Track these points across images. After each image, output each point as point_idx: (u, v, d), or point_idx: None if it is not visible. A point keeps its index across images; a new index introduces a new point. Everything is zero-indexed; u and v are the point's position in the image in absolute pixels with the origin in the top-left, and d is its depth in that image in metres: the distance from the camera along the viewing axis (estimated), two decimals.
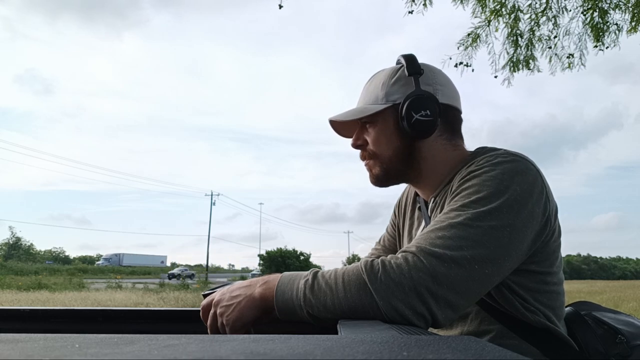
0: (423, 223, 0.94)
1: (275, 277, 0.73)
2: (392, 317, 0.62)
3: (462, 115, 0.93)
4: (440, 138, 0.89)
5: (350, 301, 0.65)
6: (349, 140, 0.97)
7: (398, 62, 0.93)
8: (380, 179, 0.92)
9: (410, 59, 0.88)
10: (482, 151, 0.85)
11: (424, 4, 3.77)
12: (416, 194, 1.00)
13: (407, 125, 0.84)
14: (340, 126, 0.97)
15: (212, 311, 0.76)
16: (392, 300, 0.62)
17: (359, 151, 0.95)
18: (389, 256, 0.68)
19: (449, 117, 0.89)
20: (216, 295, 0.77)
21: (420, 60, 0.91)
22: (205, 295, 0.81)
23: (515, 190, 0.71)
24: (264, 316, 0.72)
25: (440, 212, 0.79)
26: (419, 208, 0.98)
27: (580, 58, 4.02)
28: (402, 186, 1.11)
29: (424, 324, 0.63)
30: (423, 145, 0.88)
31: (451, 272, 0.63)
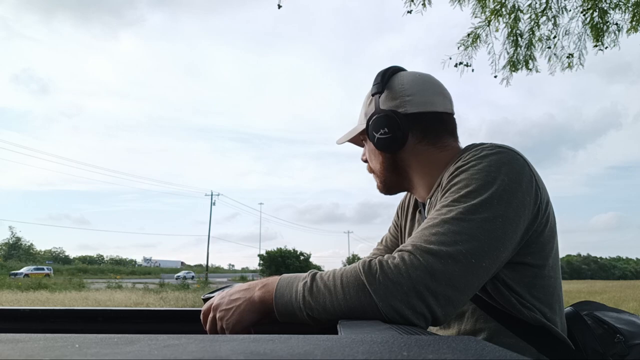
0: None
1: (274, 280, 0.74)
2: (392, 317, 0.62)
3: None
4: (420, 145, 0.90)
5: (350, 303, 0.65)
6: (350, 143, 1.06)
7: None
8: (382, 190, 0.99)
9: (375, 77, 0.93)
10: (470, 147, 0.85)
11: (423, 4, 3.77)
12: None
13: (373, 144, 0.91)
14: (354, 141, 1.05)
15: (211, 315, 0.76)
16: (391, 301, 0.62)
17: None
18: (386, 256, 0.68)
19: (426, 123, 0.89)
20: (215, 299, 0.77)
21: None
22: (205, 300, 0.81)
23: (503, 180, 0.72)
24: (264, 319, 0.73)
25: None
26: (420, 211, 0.99)
27: (579, 58, 4.02)
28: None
29: (424, 322, 0.63)
30: (404, 156, 0.92)
31: (448, 268, 0.63)
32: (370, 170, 1.00)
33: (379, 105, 0.90)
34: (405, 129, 0.87)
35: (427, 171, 0.90)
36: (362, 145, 1.04)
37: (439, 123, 0.91)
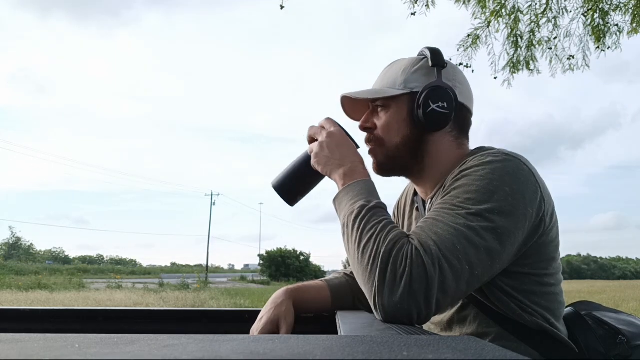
0: None
1: (363, 175, 0.80)
2: (381, 303, 0.64)
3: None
4: (449, 135, 0.88)
5: (359, 256, 0.69)
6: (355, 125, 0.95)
7: (420, 54, 0.92)
8: (383, 168, 0.91)
9: (435, 51, 0.87)
10: (478, 150, 0.85)
11: (427, 5, 3.77)
12: (414, 195, 1.00)
13: (421, 114, 0.83)
14: (351, 107, 0.95)
15: (319, 130, 0.86)
16: (392, 297, 0.63)
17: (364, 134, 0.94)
18: (405, 248, 0.66)
19: (461, 117, 0.89)
20: (335, 130, 0.85)
21: None
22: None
23: (505, 191, 0.71)
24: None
25: None
26: (417, 208, 0.97)
27: (584, 59, 4.01)
28: (402, 185, 1.11)
29: (408, 320, 0.64)
30: (431, 139, 0.87)
31: (443, 273, 0.64)
32: (375, 141, 0.90)
33: (441, 79, 0.85)
34: (456, 113, 0.85)
35: (440, 164, 0.88)
36: (359, 116, 0.93)
37: (468, 122, 0.91)
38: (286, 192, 0.89)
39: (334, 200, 0.81)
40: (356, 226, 0.71)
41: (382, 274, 0.65)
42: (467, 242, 0.66)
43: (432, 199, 0.89)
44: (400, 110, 0.87)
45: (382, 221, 0.70)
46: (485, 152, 0.79)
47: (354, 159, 0.82)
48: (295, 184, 0.90)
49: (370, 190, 0.77)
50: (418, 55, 0.92)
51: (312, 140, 0.88)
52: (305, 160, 0.88)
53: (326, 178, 0.87)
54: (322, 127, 0.86)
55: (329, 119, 0.88)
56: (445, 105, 0.82)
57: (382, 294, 0.64)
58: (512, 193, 0.71)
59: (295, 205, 0.91)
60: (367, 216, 0.71)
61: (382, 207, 0.75)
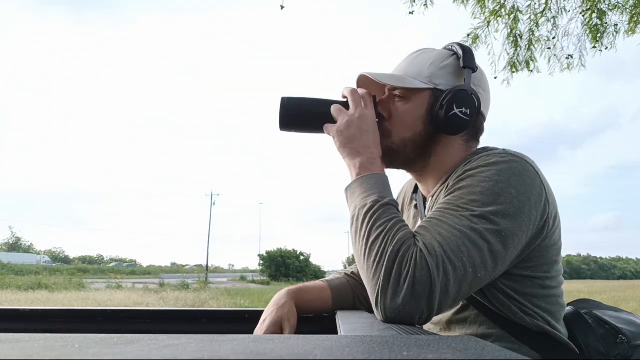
0: (419, 222, 0.93)
1: (379, 168, 0.78)
2: (384, 304, 0.64)
3: None
4: (461, 139, 0.86)
5: (367, 252, 0.68)
6: None
7: (449, 48, 0.89)
8: (384, 160, 0.83)
9: (468, 52, 0.84)
10: (483, 150, 0.84)
11: (425, 5, 3.77)
12: (413, 192, 0.99)
13: (442, 116, 0.80)
14: (365, 86, 0.90)
15: (356, 100, 0.82)
16: (391, 291, 0.64)
17: None
18: (412, 249, 0.66)
19: (477, 124, 0.88)
20: (360, 112, 0.81)
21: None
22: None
23: (510, 193, 0.70)
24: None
25: None
26: (416, 206, 0.97)
27: (580, 59, 4.02)
28: (400, 182, 1.11)
29: (409, 321, 0.64)
30: (443, 140, 0.85)
31: (447, 275, 0.64)
32: (379, 130, 0.83)
33: (469, 84, 0.82)
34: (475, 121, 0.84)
35: (446, 165, 0.86)
36: (362, 92, 0.85)
37: (482, 130, 0.90)
38: (286, 116, 0.85)
39: (346, 189, 0.79)
40: (366, 220, 0.71)
41: (387, 274, 0.64)
42: (471, 244, 0.66)
43: (433, 196, 0.88)
44: (420, 105, 0.84)
45: (392, 219, 0.70)
46: (491, 152, 0.78)
47: (374, 150, 0.80)
48: (298, 119, 0.86)
49: (385, 185, 0.76)
50: (446, 48, 0.89)
51: (343, 97, 0.85)
52: (323, 114, 0.84)
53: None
54: (360, 100, 0.83)
55: (369, 94, 0.85)
56: (468, 112, 0.80)
57: (385, 294, 0.64)
58: (518, 195, 0.70)
59: (283, 132, 0.88)
60: (379, 212, 0.71)
61: (394, 204, 0.74)
